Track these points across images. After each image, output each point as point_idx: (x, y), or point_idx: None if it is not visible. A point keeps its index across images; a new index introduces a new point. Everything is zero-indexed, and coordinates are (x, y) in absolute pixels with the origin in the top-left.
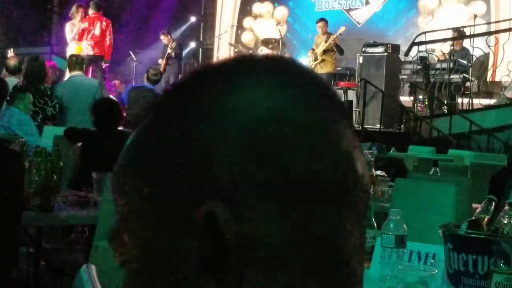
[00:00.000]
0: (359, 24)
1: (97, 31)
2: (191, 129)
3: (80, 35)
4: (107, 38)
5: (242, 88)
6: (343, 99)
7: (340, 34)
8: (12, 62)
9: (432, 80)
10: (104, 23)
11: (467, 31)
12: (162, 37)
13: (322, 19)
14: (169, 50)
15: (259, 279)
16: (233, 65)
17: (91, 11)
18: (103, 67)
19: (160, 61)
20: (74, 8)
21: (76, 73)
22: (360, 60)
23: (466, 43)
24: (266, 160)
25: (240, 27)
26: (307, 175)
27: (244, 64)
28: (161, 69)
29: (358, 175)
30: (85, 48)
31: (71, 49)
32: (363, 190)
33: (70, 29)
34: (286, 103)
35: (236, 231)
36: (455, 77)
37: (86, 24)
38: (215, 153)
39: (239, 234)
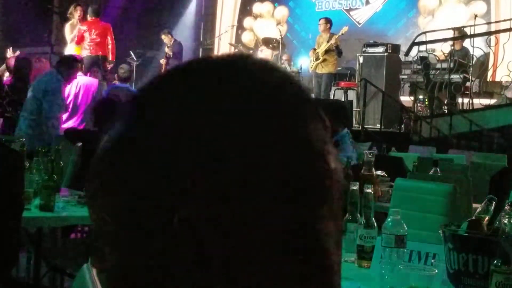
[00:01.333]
0: (359, 24)
1: (96, 35)
2: (163, 137)
3: (79, 39)
4: (109, 42)
5: (214, 91)
6: (343, 99)
7: (342, 34)
8: (12, 61)
9: (432, 80)
10: (104, 27)
11: (468, 31)
12: (163, 36)
13: (324, 18)
14: (166, 50)
15: (243, 279)
16: (204, 68)
17: (89, 17)
18: (107, 67)
19: (162, 61)
20: (72, 8)
21: None
22: (361, 60)
23: (466, 43)
24: (239, 162)
25: (240, 27)
26: (282, 173)
27: (215, 67)
28: (162, 69)
29: (331, 169)
30: (85, 50)
31: (70, 50)
32: (337, 184)
33: (70, 30)
34: (259, 103)
35: (215, 237)
36: (456, 77)
37: (85, 27)
38: (187, 160)
39: (219, 239)
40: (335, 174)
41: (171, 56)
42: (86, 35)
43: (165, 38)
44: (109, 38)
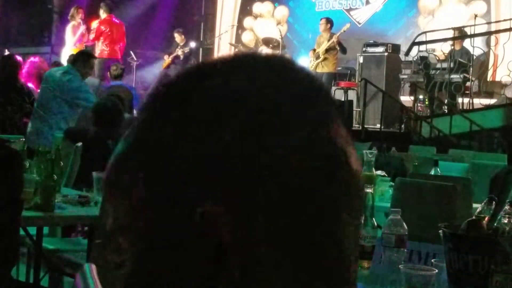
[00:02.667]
0: (360, 24)
1: (115, 35)
2: (192, 131)
3: (96, 36)
4: (122, 41)
5: (240, 89)
6: (343, 99)
7: (344, 30)
8: None
9: (432, 80)
10: (118, 27)
11: (468, 31)
12: (176, 35)
13: (325, 18)
14: (179, 52)
15: (260, 280)
16: (230, 66)
17: (104, 14)
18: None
19: (166, 57)
20: (73, 10)
21: None
22: (361, 60)
23: (466, 43)
24: (263, 163)
25: (240, 27)
26: (305, 173)
27: (240, 65)
28: (164, 65)
29: (353, 171)
30: (98, 48)
31: (68, 51)
32: (358, 186)
33: (72, 32)
34: (285, 103)
35: (235, 232)
36: (456, 77)
37: (104, 27)
38: (215, 155)
39: (238, 235)
40: (357, 175)
41: (180, 57)
42: (106, 34)
43: (178, 38)
44: (122, 38)
